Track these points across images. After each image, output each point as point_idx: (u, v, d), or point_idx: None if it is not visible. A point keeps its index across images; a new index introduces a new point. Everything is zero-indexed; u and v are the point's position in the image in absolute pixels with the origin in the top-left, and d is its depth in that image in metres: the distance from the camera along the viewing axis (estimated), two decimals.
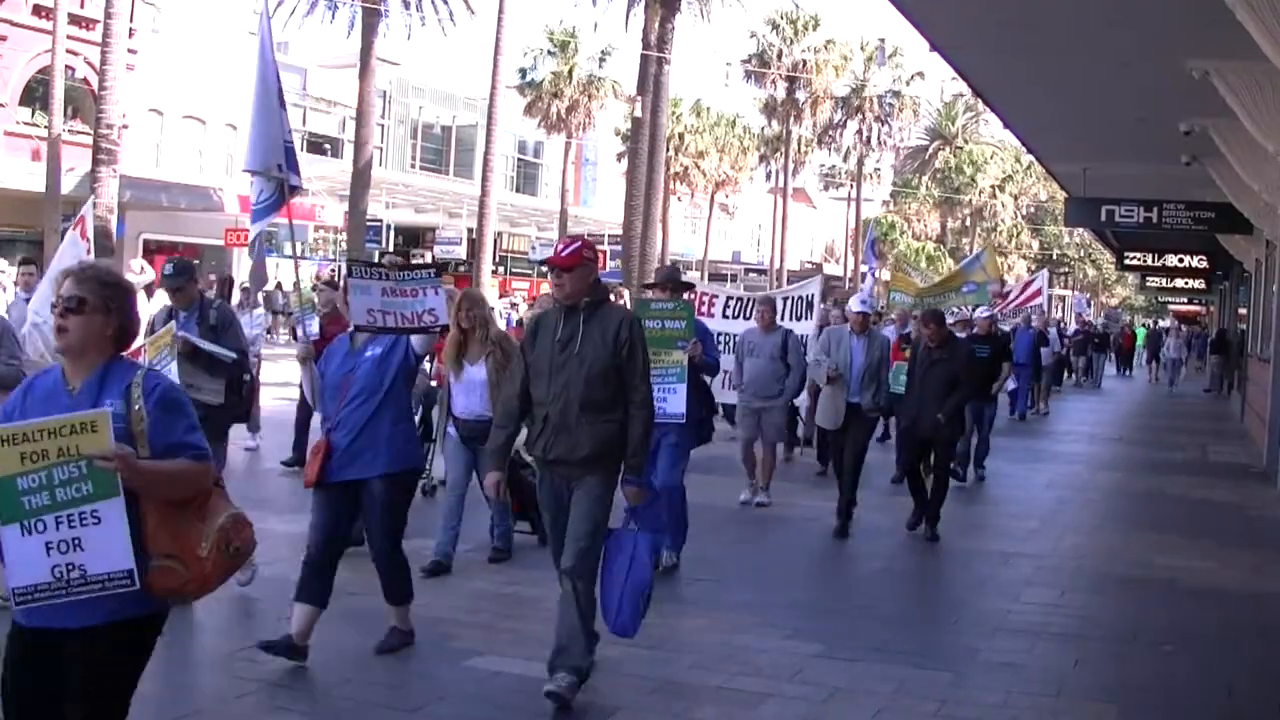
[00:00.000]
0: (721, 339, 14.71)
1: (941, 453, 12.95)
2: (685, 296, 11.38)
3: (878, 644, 8.61)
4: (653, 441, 8.66)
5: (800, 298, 17.08)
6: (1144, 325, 73.43)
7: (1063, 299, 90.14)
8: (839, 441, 13.26)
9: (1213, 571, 11.62)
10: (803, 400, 15.27)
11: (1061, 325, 43.59)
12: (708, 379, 11.25)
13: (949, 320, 24.17)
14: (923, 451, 13.04)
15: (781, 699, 7.32)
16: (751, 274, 72.62)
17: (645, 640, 6.18)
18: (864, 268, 34.86)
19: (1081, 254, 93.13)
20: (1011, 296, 31.61)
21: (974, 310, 22.01)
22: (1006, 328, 25.98)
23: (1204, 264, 33.59)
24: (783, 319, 15.67)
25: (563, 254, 7.13)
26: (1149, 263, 33.50)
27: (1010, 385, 23.60)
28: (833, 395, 12.90)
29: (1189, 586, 10.97)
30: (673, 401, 10.01)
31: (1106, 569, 11.74)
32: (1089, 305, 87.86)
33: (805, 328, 16.03)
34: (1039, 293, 31.95)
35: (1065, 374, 38.64)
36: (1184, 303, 62.30)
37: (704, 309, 16.47)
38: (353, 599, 8.68)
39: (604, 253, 51.80)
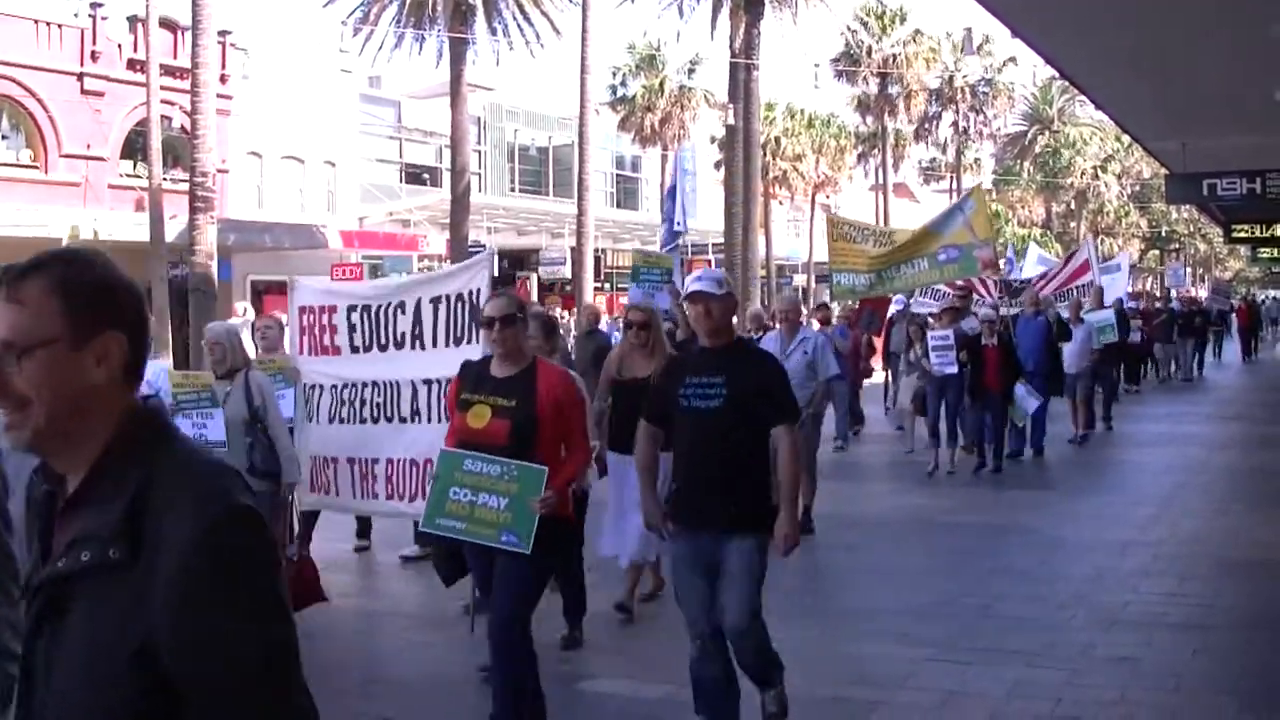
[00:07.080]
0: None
1: None
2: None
3: (991, 645, 8.51)
4: None
5: (458, 297, 9.09)
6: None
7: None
8: None
9: None
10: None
11: (1125, 306, 26.91)
12: None
13: (918, 307, 19.58)
14: None
15: (892, 706, 7.25)
16: None
17: None
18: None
19: (1191, 229, 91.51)
20: (1050, 275, 24.94)
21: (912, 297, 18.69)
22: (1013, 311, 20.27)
23: None
24: (432, 343, 9.31)
25: None
26: (1257, 234, 32.81)
27: (1030, 406, 17.03)
28: None
29: None
30: None
31: (1225, 554, 11.49)
32: (1191, 280, 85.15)
33: (471, 353, 8.26)
34: (1085, 267, 24.29)
35: (1142, 370, 30.36)
36: None
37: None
38: (457, 622, 8.76)
39: (708, 262, 51.76)
